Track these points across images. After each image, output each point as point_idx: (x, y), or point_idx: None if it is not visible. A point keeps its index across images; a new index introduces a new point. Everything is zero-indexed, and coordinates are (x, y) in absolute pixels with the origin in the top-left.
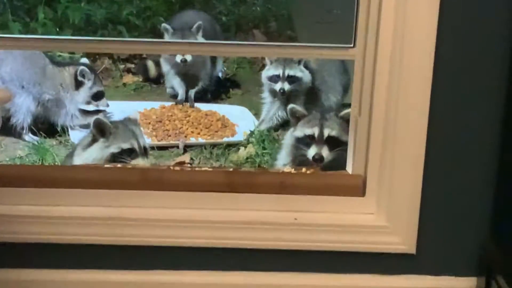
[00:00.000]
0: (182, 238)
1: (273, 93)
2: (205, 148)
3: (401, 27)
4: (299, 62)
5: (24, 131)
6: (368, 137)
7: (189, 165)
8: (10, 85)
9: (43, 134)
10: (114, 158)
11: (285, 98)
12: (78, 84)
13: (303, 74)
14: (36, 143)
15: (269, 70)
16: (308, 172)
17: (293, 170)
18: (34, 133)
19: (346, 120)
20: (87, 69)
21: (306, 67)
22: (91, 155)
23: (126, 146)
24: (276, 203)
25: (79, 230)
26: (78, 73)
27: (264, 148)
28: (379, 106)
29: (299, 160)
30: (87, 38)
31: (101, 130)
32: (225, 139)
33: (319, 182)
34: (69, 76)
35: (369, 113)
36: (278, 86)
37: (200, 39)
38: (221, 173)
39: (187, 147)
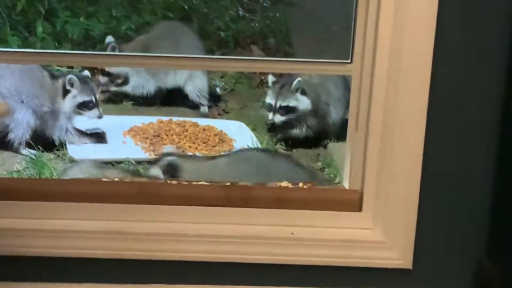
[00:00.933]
0: (180, 252)
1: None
2: None
3: (398, 43)
4: (296, 89)
5: (22, 145)
6: (365, 152)
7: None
8: (10, 101)
9: (40, 148)
10: None
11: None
12: (65, 93)
13: (298, 103)
14: (33, 157)
15: (268, 97)
16: (305, 186)
17: (290, 185)
18: (31, 147)
19: None
20: (75, 78)
21: (304, 92)
22: None
23: None
24: (272, 218)
25: (76, 244)
26: (66, 81)
27: None
28: (376, 121)
29: None
30: (85, 52)
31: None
32: (223, 154)
33: (316, 196)
34: (60, 87)
35: (366, 128)
36: (270, 117)
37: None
38: (218, 187)
39: None
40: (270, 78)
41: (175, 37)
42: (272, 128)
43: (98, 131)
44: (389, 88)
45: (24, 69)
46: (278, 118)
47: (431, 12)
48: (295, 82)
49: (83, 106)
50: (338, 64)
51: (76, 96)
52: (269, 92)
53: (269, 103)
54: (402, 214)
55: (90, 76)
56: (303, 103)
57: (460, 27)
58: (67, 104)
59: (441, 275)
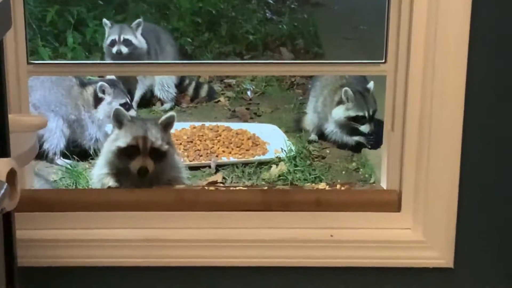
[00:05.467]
0: (219, 258)
1: (353, 131)
2: (237, 167)
3: (432, 41)
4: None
5: (57, 155)
6: (402, 152)
7: (221, 184)
8: (42, 111)
9: (76, 158)
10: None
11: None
12: (98, 101)
13: (377, 104)
14: (69, 166)
15: (350, 110)
16: (343, 188)
17: (327, 187)
18: (66, 157)
19: (164, 128)
20: (106, 84)
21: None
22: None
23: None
24: (311, 221)
25: (116, 253)
26: (97, 89)
27: (296, 166)
28: (412, 121)
29: (119, 171)
30: (116, 62)
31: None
32: (257, 158)
33: (354, 198)
34: (89, 96)
35: (402, 128)
36: (366, 128)
37: (139, 36)
38: (256, 192)
39: (219, 167)
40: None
41: (156, 33)
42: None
43: None
44: (425, 86)
45: (53, 78)
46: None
47: (465, 7)
48: (370, 84)
49: None
50: (372, 65)
51: (111, 102)
52: (347, 103)
53: (358, 115)
54: (442, 213)
55: (117, 79)
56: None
57: (495, 22)
58: (102, 111)
59: (483, 273)
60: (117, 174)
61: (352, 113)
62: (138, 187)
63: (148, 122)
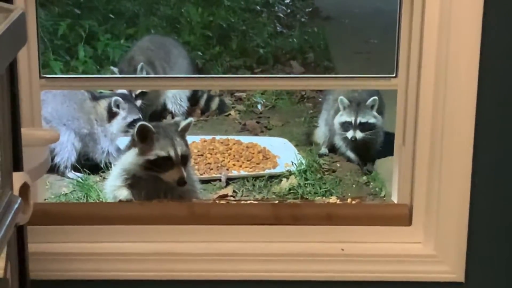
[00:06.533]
0: (230, 272)
1: (345, 140)
2: (248, 181)
3: (444, 55)
4: (371, 107)
5: (68, 169)
6: (413, 166)
7: (232, 197)
8: (53, 125)
9: (87, 171)
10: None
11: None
12: (112, 116)
13: (376, 120)
14: (80, 180)
15: (342, 116)
16: (353, 202)
17: (338, 201)
18: (77, 170)
19: (183, 133)
20: (120, 99)
21: (380, 112)
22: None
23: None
24: (322, 235)
25: (127, 266)
26: (112, 104)
27: (306, 179)
28: (424, 135)
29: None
30: (127, 76)
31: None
32: (267, 171)
33: (365, 212)
34: (102, 110)
35: (414, 142)
36: (350, 134)
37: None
38: (268, 206)
39: (229, 180)
40: (340, 99)
41: (166, 48)
42: (355, 145)
43: None
44: (436, 100)
45: (65, 92)
46: (359, 135)
47: (476, 21)
48: (370, 99)
49: (132, 125)
50: (383, 79)
51: (126, 117)
52: (342, 111)
53: (347, 121)
54: (452, 227)
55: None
56: (379, 121)
57: (507, 35)
58: (116, 126)
59: (494, 287)
60: (132, 185)
61: (342, 119)
62: (153, 198)
63: (169, 131)
